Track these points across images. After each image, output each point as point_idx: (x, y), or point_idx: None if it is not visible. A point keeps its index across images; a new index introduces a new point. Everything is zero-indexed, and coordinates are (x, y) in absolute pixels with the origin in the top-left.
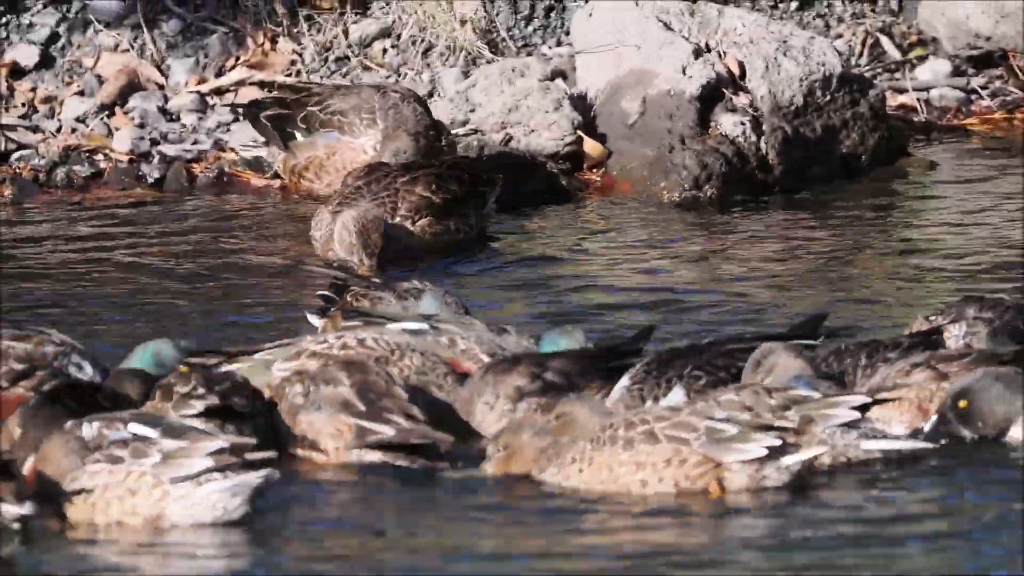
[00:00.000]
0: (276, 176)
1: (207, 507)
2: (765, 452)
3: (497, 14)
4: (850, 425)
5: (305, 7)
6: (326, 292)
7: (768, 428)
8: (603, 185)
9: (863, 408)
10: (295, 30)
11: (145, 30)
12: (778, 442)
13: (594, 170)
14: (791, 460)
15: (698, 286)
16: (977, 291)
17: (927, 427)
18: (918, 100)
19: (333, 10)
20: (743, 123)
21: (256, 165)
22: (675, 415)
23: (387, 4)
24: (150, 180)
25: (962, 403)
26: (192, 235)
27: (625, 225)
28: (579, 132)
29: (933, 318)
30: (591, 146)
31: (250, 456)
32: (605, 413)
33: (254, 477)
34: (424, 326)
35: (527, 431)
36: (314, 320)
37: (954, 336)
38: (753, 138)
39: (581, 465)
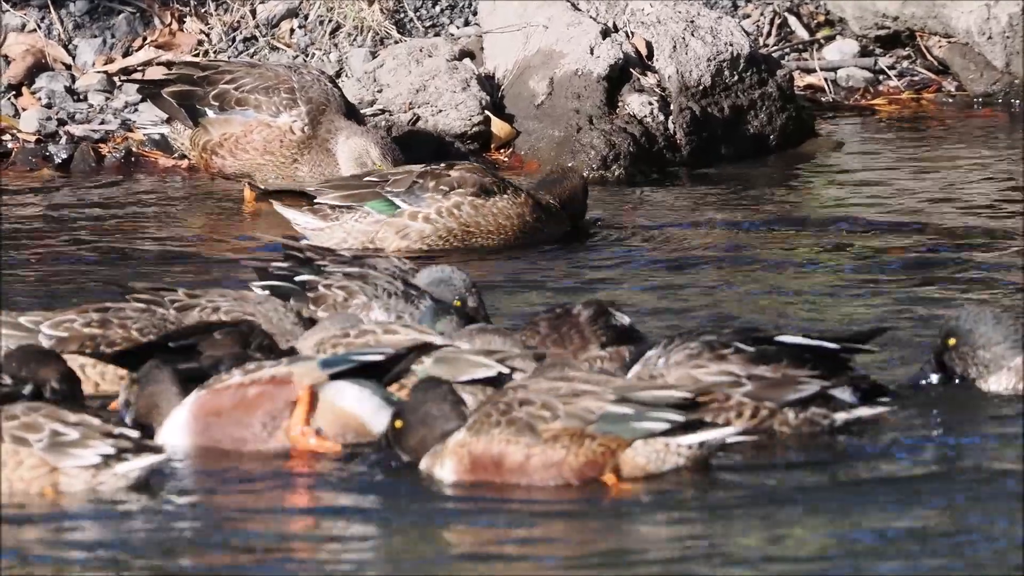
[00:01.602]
0: (183, 156)
1: None
2: (99, 459)
3: None
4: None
5: None
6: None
7: (110, 435)
8: (511, 165)
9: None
10: (202, 10)
11: (52, 10)
12: (112, 450)
13: (502, 150)
14: (127, 468)
15: (603, 267)
16: (879, 272)
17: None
18: (826, 80)
19: None
20: (651, 103)
21: (164, 145)
22: (26, 416)
23: None
24: (57, 161)
25: (398, 423)
26: (101, 214)
27: None
28: (487, 112)
29: None
30: (499, 126)
31: None
32: None
33: None
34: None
35: None
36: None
37: None
38: (661, 118)
39: None
